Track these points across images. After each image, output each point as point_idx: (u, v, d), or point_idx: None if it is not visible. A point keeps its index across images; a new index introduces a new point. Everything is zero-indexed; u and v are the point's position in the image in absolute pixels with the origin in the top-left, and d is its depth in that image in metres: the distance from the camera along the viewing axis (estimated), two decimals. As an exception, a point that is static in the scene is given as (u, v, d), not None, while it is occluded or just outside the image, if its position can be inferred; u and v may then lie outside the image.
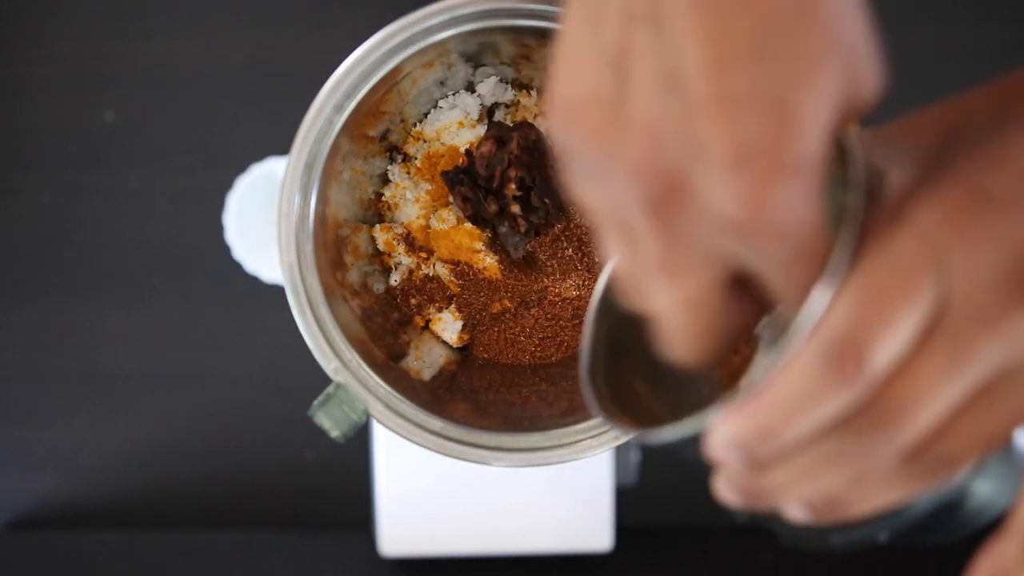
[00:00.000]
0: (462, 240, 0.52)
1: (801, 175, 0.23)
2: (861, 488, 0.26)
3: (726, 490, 0.28)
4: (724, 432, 0.26)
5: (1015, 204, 0.24)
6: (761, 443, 0.26)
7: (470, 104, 0.52)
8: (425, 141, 0.53)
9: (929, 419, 0.25)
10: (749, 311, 0.27)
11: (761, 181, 0.23)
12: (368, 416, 0.45)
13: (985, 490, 0.30)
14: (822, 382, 0.24)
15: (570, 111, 0.26)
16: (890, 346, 0.24)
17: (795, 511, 0.28)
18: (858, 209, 0.25)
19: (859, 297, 0.24)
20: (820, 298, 0.25)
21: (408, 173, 0.53)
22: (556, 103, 0.26)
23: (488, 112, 0.53)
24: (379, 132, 0.51)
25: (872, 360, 0.24)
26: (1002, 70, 0.70)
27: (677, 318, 0.27)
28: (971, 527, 0.29)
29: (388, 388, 0.46)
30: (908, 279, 0.24)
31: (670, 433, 0.28)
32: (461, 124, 0.52)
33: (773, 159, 0.23)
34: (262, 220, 0.66)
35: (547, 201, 0.49)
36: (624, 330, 0.33)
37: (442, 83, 0.52)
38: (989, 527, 0.29)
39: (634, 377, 0.33)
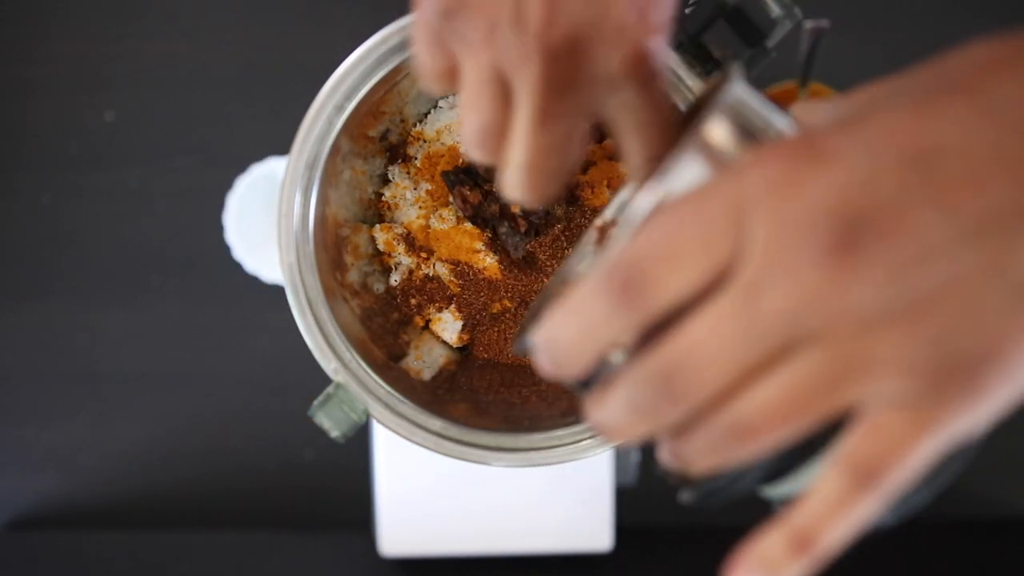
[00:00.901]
0: (462, 240, 0.52)
1: (662, 33, 0.31)
2: (684, 445, 0.26)
3: (588, 415, 0.28)
4: (536, 343, 0.27)
5: (838, 160, 0.23)
6: (563, 359, 0.26)
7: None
8: (425, 141, 0.53)
9: (714, 374, 0.24)
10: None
11: (643, 37, 0.30)
12: (368, 416, 0.45)
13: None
14: (601, 304, 0.24)
15: None
16: (671, 284, 0.24)
17: (661, 453, 0.27)
18: (701, 128, 0.26)
19: (658, 229, 0.24)
20: (637, 206, 0.25)
21: (408, 173, 0.53)
22: None
23: (488, 112, 0.53)
24: (379, 132, 0.51)
25: (649, 292, 0.24)
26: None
27: (538, 161, 0.31)
28: None
29: (388, 388, 0.46)
30: (707, 221, 0.24)
31: (520, 342, 0.30)
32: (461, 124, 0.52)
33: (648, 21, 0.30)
34: (262, 220, 0.66)
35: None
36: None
37: (442, 83, 0.52)
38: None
39: None
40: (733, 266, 0.23)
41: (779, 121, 0.28)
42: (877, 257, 0.22)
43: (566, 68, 0.30)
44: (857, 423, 0.24)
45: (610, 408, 0.26)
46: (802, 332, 0.23)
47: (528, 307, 0.35)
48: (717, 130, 0.27)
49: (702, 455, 0.25)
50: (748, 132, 0.27)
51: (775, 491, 0.29)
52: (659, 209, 0.25)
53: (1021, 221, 0.22)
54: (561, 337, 0.26)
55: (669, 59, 0.31)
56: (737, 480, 0.28)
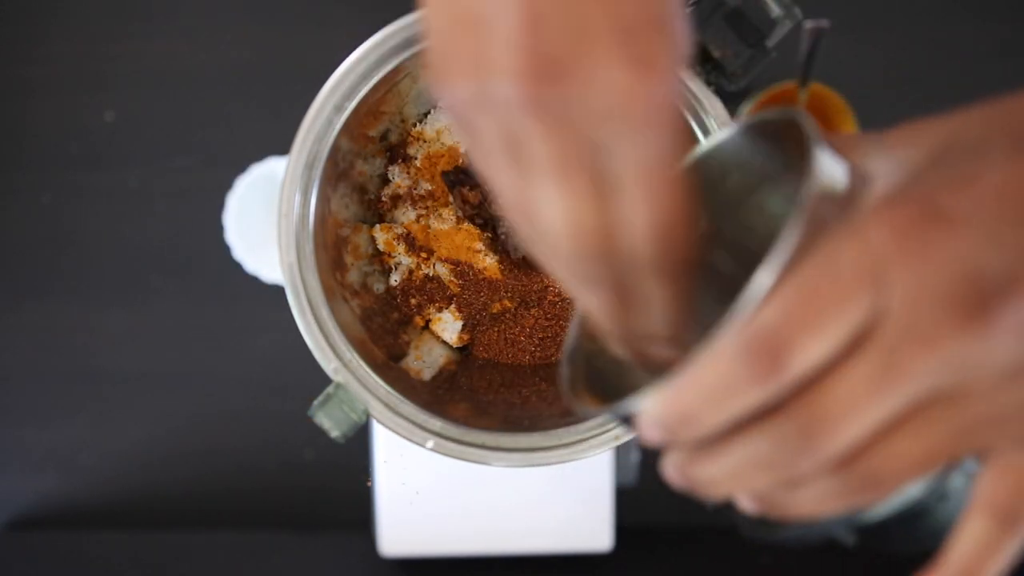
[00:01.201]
0: (462, 240, 0.52)
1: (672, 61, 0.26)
2: (793, 493, 0.26)
3: (669, 471, 0.28)
4: (649, 411, 0.26)
5: (965, 224, 0.24)
6: (681, 426, 0.26)
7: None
8: (425, 141, 0.53)
9: (855, 432, 0.25)
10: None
11: (641, 62, 0.26)
12: (368, 416, 0.45)
13: (949, 508, 0.30)
14: (739, 375, 0.25)
15: (442, 67, 0.28)
16: (813, 350, 0.24)
17: (743, 502, 0.28)
18: (807, 200, 0.26)
19: (792, 297, 0.24)
20: (757, 286, 0.25)
21: (408, 173, 0.53)
22: (432, 72, 0.28)
23: (488, 112, 0.53)
24: (379, 132, 0.51)
25: (792, 361, 0.24)
26: (1002, 70, 0.70)
27: (568, 220, 0.28)
28: (940, 540, 0.29)
29: (388, 388, 0.46)
30: (844, 286, 0.24)
31: (606, 411, 0.29)
32: (461, 124, 0.52)
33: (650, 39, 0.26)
34: (262, 220, 0.66)
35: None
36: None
37: (442, 83, 0.52)
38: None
39: (608, 366, 0.34)
40: (872, 329, 0.24)
41: (849, 172, 0.28)
42: (1010, 318, 0.23)
43: (553, 101, 0.26)
44: (990, 466, 0.26)
45: (725, 463, 0.26)
46: (941, 389, 0.24)
47: (562, 354, 0.34)
48: (822, 185, 0.26)
49: (815, 503, 0.26)
50: (835, 187, 0.27)
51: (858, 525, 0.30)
52: (787, 274, 0.25)
53: None
54: (689, 407, 0.26)
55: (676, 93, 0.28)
56: (835, 523, 0.29)
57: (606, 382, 0.33)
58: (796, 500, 0.27)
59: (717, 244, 0.34)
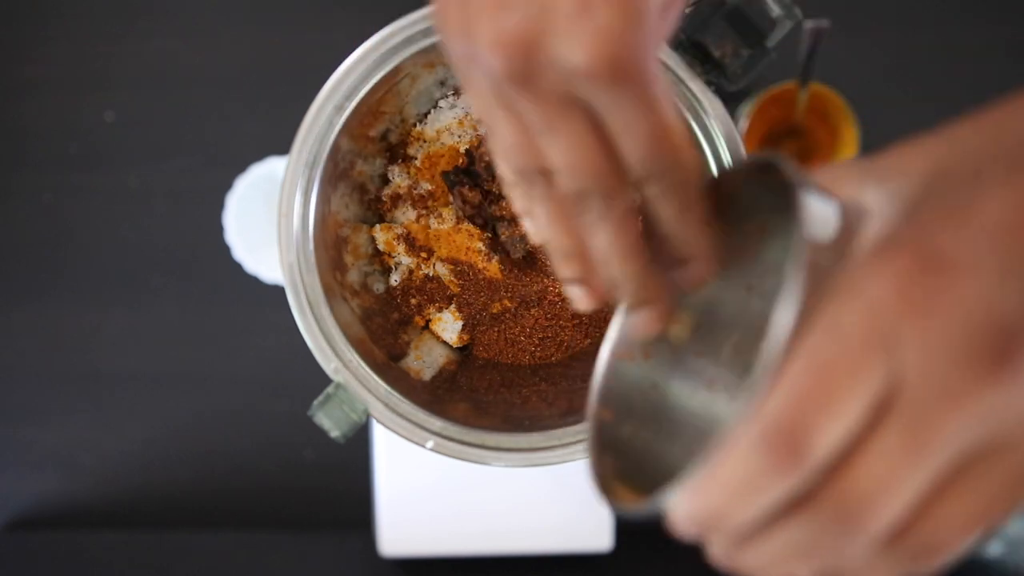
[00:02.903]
0: (462, 240, 0.52)
1: (639, 19, 0.27)
2: (854, 571, 0.25)
3: (718, 559, 0.27)
4: (680, 510, 0.26)
5: (967, 267, 0.22)
6: (714, 522, 0.25)
7: (470, 104, 0.52)
8: (425, 141, 0.53)
9: (896, 509, 0.23)
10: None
11: (603, 28, 0.27)
12: (368, 416, 0.45)
13: (1018, 553, 0.30)
14: (760, 468, 0.23)
15: (441, 22, 0.30)
16: (834, 431, 0.23)
17: None
18: (798, 260, 0.25)
19: (801, 376, 0.23)
20: (763, 367, 0.24)
21: (408, 173, 0.53)
22: (435, 22, 0.31)
23: (488, 112, 0.53)
24: (379, 132, 0.51)
25: (813, 448, 0.23)
26: (1002, 70, 0.70)
27: (571, 159, 0.30)
28: None
29: (388, 388, 0.46)
30: (853, 356, 0.23)
31: (635, 508, 0.28)
32: (461, 124, 0.52)
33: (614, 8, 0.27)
34: (262, 220, 0.66)
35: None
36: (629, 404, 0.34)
37: (442, 83, 0.52)
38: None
39: (632, 438, 0.34)
40: (892, 396, 0.23)
41: (841, 212, 0.27)
42: None
43: (531, 71, 0.29)
44: None
45: (769, 551, 0.25)
46: (978, 445, 0.23)
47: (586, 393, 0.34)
48: (813, 235, 0.25)
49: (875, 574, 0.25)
50: (828, 231, 0.26)
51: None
52: (792, 351, 0.24)
53: None
54: (716, 505, 0.25)
55: (655, 56, 0.29)
56: None
57: (631, 459, 0.32)
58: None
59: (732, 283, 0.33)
